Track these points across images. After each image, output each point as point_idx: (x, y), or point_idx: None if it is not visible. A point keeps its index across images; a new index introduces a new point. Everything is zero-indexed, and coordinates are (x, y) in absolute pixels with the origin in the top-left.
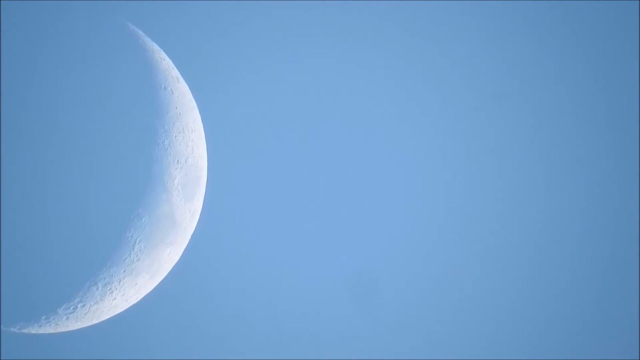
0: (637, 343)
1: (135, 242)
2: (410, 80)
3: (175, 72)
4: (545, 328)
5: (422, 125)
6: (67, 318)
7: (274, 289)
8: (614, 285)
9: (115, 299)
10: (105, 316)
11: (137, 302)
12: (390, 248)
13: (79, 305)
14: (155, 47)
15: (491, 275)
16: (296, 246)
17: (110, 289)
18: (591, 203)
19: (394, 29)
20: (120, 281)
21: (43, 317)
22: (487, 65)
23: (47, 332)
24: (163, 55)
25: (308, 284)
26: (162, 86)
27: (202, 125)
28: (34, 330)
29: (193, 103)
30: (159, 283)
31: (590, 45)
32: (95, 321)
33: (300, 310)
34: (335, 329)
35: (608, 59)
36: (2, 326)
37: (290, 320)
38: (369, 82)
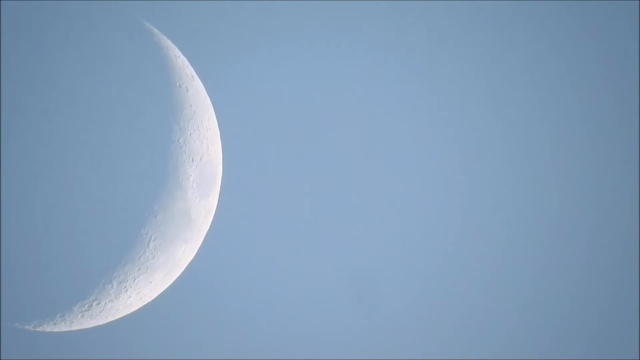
0: (637, 343)
1: (150, 239)
2: (429, 80)
3: (190, 70)
4: (545, 328)
5: (425, 126)
6: (82, 316)
7: (286, 287)
8: (614, 285)
9: (130, 297)
10: (120, 314)
11: (152, 300)
12: (398, 249)
13: (94, 303)
14: (170, 44)
15: (491, 276)
16: (311, 245)
17: (125, 287)
18: (592, 203)
19: (419, 29)
20: (135, 279)
21: (58, 315)
22: (486, 65)
23: (62, 331)
24: (178, 53)
25: (322, 284)
26: (177, 84)
27: (217, 123)
28: (48, 328)
29: (208, 101)
30: (174, 281)
31: (590, 46)
32: (110, 319)
33: (312, 309)
34: (348, 329)
35: (609, 59)
36: (17, 324)
37: (304, 319)
38: (386, 82)
